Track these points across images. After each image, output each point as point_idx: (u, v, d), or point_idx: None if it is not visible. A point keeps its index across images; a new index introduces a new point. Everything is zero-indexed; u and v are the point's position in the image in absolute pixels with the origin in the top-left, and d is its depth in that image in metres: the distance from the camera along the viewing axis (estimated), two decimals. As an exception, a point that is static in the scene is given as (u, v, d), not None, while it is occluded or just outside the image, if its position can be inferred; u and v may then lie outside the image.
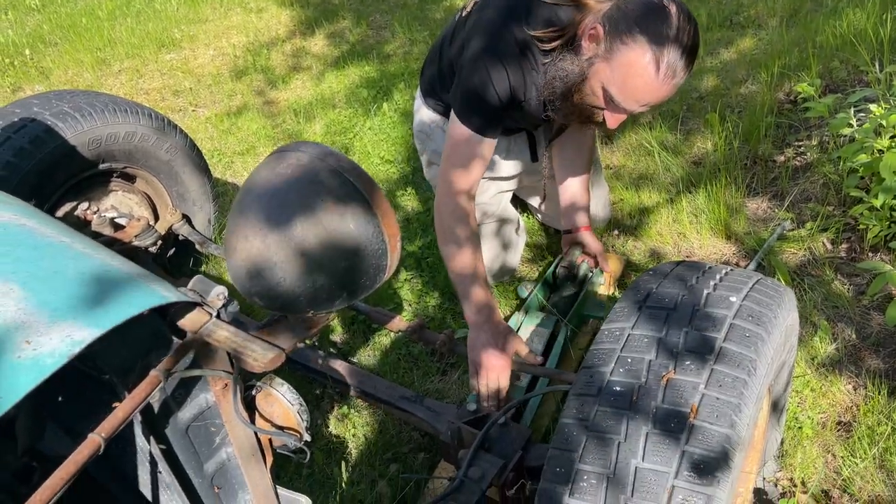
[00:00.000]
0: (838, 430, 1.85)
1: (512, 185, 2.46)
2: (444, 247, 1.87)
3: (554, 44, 1.72)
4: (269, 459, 1.36)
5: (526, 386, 1.95)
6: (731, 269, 1.32)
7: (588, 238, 2.30)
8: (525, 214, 2.83)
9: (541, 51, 1.76)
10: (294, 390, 1.38)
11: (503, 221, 2.44)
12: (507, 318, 2.32)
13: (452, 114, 1.89)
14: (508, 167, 2.34)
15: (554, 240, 2.69)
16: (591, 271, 2.27)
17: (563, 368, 2.11)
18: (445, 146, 1.92)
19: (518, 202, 2.75)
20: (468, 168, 1.86)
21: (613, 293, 2.36)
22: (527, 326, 2.10)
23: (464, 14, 1.97)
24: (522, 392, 1.94)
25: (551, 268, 2.30)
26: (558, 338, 2.06)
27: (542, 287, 2.24)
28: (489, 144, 1.88)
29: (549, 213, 2.60)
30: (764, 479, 1.72)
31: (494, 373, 1.70)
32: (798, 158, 2.80)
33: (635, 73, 1.57)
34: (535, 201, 2.63)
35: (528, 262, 2.63)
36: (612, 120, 1.73)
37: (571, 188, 2.32)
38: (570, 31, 1.70)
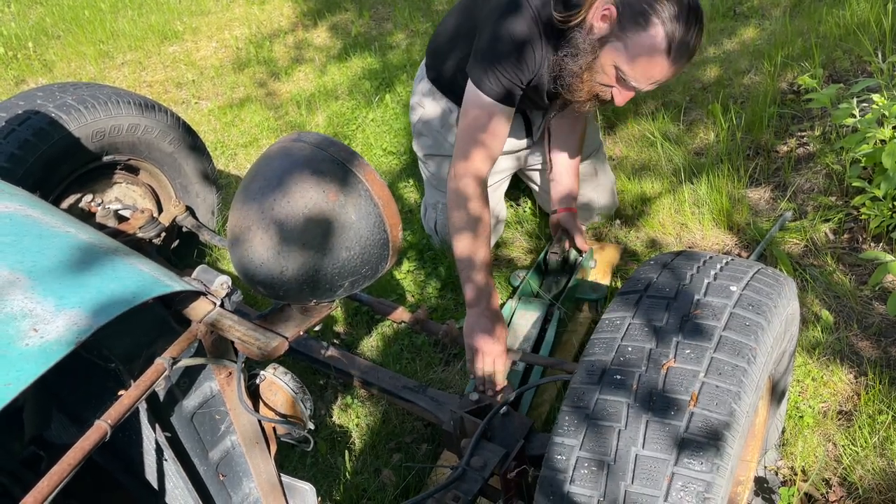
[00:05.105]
0: (839, 419, 1.85)
1: (505, 174, 2.51)
2: (449, 227, 1.90)
3: (570, 24, 1.77)
4: (273, 448, 1.38)
5: (522, 372, 1.96)
6: (732, 259, 1.32)
7: (567, 219, 2.31)
8: (523, 198, 2.85)
9: (555, 29, 1.81)
10: (297, 379, 1.39)
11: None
12: (502, 305, 2.32)
13: (469, 84, 1.90)
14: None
15: (548, 227, 2.70)
16: (581, 255, 2.29)
17: (559, 353, 2.12)
18: (461, 122, 1.93)
19: (518, 185, 2.82)
20: (482, 144, 1.88)
21: (612, 284, 2.37)
22: (520, 313, 2.10)
23: None
24: (518, 377, 1.95)
25: (542, 254, 2.31)
26: (551, 322, 2.06)
27: (533, 274, 2.24)
28: (507, 116, 1.90)
29: (546, 196, 2.62)
30: (765, 467, 1.73)
31: (490, 357, 1.73)
32: (801, 149, 2.80)
33: (649, 53, 1.65)
34: (535, 184, 2.64)
35: (523, 251, 2.64)
36: (621, 97, 1.80)
37: (558, 171, 2.35)
38: (584, 12, 1.75)
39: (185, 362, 1.16)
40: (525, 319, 2.08)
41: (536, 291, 2.20)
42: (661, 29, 1.63)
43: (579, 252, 2.31)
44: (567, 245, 2.28)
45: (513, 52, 1.83)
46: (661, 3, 1.62)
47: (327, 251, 1.17)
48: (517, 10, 1.82)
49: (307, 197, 1.15)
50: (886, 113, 2.26)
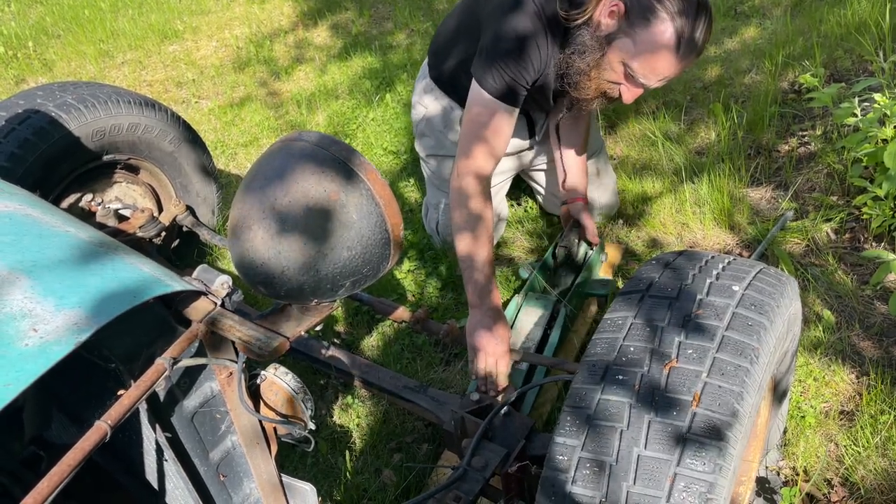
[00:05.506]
0: (841, 419, 1.85)
1: (507, 175, 2.49)
2: (452, 225, 1.88)
3: (576, 21, 1.76)
4: (274, 448, 1.37)
5: (525, 371, 1.96)
6: (734, 259, 1.32)
7: (578, 208, 2.30)
8: (525, 197, 2.84)
9: (560, 26, 1.80)
10: (298, 379, 1.38)
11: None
12: (507, 301, 2.31)
13: (473, 82, 1.89)
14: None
15: (554, 226, 2.69)
16: (590, 250, 2.27)
17: (560, 353, 2.11)
18: (464, 120, 1.92)
19: (519, 185, 2.81)
20: (485, 142, 1.85)
21: (615, 283, 2.36)
22: (526, 308, 2.09)
23: None
24: (522, 376, 1.94)
25: (550, 249, 2.30)
26: (558, 319, 2.05)
27: (541, 268, 2.23)
28: (510, 115, 1.87)
29: (548, 196, 2.61)
30: (766, 467, 1.73)
31: (493, 358, 1.72)
32: (802, 148, 2.79)
33: (658, 49, 1.64)
34: (537, 185, 2.64)
35: (525, 250, 2.64)
36: (629, 94, 1.79)
37: (567, 163, 2.34)
38: (591, 9, 1.73)
39: (186, 362, 1.16)
40: (531, 317, 2.07)
41: (543, 287, 2.19)
42: (669, 24, 1.62)
43: (590, 245, 2.29)
44: (576, 240, 2.26)
45: (516, 50, 1.82)
46: None
47: (328, 250, 1.16)
48: (520, 7, 1.81)
49: (308, 196, 1.15)
50: (888, 112, 2.26)
